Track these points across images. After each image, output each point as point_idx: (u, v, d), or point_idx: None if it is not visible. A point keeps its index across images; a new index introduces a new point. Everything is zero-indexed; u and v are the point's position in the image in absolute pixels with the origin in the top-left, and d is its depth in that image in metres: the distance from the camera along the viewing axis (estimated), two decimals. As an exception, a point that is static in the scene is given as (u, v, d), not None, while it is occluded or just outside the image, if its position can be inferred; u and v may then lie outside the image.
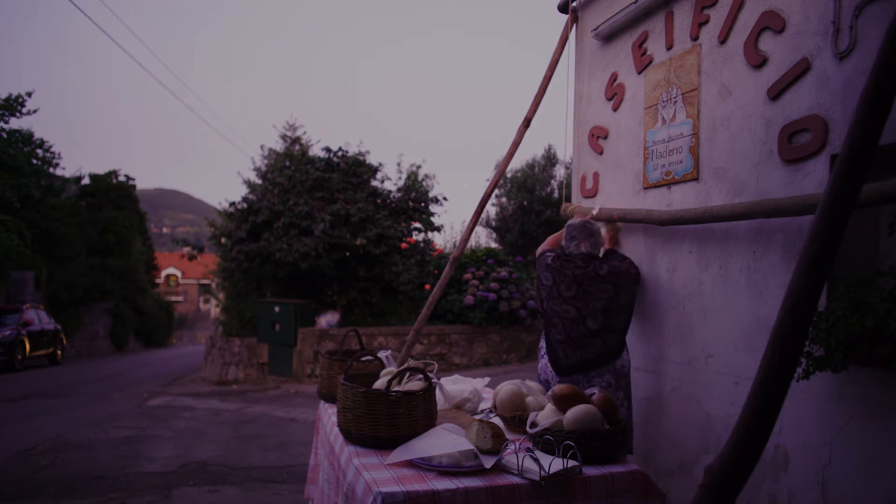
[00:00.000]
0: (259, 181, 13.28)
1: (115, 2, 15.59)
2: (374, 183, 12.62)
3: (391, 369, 2.87)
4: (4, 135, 16.03)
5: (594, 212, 3.79)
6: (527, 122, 4.46)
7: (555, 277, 3.33)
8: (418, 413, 2.23)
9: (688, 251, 3.24)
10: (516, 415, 2.48)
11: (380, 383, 2.52)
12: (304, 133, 14.54)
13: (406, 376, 2.42)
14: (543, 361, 3.34)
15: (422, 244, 12.89)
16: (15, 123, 16.83)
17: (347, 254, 11.92)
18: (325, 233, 11.36)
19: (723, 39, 3.03)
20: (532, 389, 2.68)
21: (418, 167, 13.00)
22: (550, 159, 18.53)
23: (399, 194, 12.74)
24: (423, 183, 12.82)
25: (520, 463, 1.95)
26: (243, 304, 12.75)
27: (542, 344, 3.42)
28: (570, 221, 3.51)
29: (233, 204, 12.50)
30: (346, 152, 12.61)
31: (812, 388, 2.48)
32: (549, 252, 3.49)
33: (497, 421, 2.52)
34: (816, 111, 2.53)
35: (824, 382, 2.44)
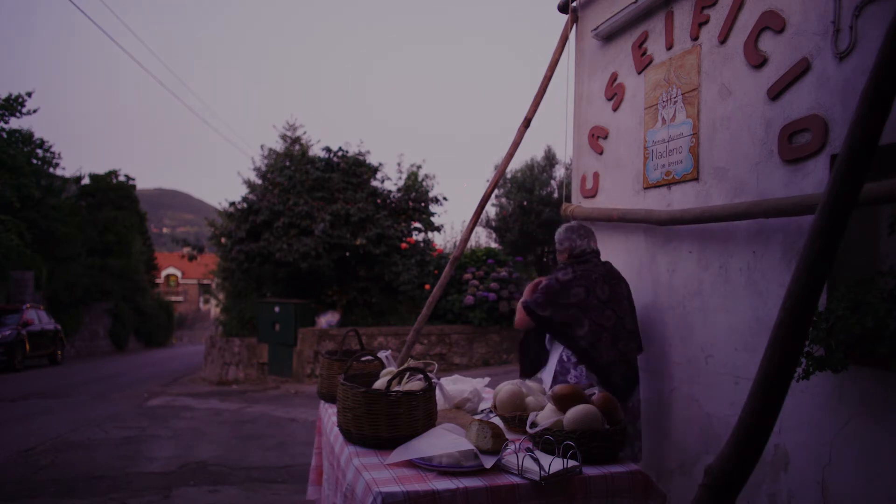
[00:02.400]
0: (259, 181, 13.28)
1: (116, 2, 15.60)
2: (374, 183, 12.62)
3: (391, 369, 2.86)
4: (4, 135, 16.03)
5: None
6: (527, 122, 4.46)
7: (586, 285, 3.10)
8: (418, 413, 2.23)
9: (688, 251, 3.24)
10: (516, 415, 2.48)
11: (380, 383, 2.52)
12: (304, 133, 14.56)
13: (406, 376, 2.42)
14: (578, 371, 3.08)
15: (422, 244, 12.90)
16: (15, 123, 16.83)
17: (347, 254, 11.92)
18: (325, 233, 11.36)
19: (723, 39, 3.03)
20: (532, 389, 2.67)
21: (418, 167, 13.01)
22: (550, 159, 18.53)
23: (399, 194, 12.74)
24: (423, 183, 12.83)
25: (520, 463, 1.95)
26: (243, 304, 12.75)
27: (563, 356, 3.13)
28: (567, 225, 3.38)
29: (233, 204, 12.50)
30: (346, 152, 12.62)
31: (812, 388, 2.48)
32: (550, 276, 3.21)
33: (497, 421, 2.52)
34: (816, 111, 2.53)
35: (824, 382, 2.44)
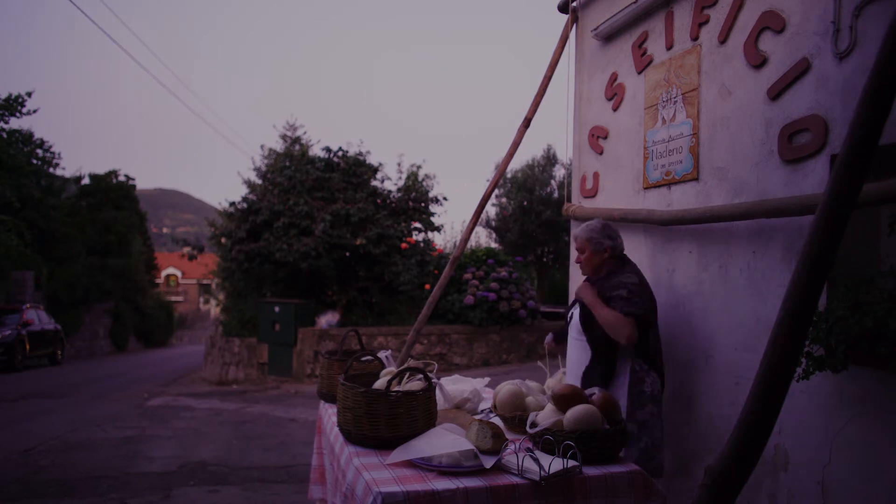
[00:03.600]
0: (259, 181, 13.27)
1: (115, 1, 15.57)
2: (374, 183, 12.62)
3: (391, 369, 2.86)
4: (4, 135, 16.01)
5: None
6: (527, 122, 4.46)
7: (649, 290, 2.97)
8: (418, 413, 2.23)
9: (688, 251, 3.24)
10: (516, 415, 2.48)
11: (380, 383, 2.52)
12: (305, 133, 14.54)
13: (406, 376, 2.42)
14: (651, 377, 2.89)
15: (422, 244, 12.90)
16: (15, 123, 16.79)
17: (347, 254, 11.91)
18: (325, 233, 11.36)
19: (723, 39, 3.03)
20: (532, 389, 2.67)
21: (418, 167, 13.01)
22: (550, 159, 18.53)
23: (399, 194, 12.74)
24: (423, 183, 12.83)
25: (520, 463, 1.95)
26: (243, 304, 12.75)
27: (635, 366, 2.86)
28: (603, 223, 3.11)
29: (233, 204, 12.50)
30: (347, 152, 12.61)
31: (812, 388, 2.48)
32: (623, 281, 2.90)
33: (497, 421, 2.52)
34: (816, 111, 2.53)
35: (824, 382, 2.44)
